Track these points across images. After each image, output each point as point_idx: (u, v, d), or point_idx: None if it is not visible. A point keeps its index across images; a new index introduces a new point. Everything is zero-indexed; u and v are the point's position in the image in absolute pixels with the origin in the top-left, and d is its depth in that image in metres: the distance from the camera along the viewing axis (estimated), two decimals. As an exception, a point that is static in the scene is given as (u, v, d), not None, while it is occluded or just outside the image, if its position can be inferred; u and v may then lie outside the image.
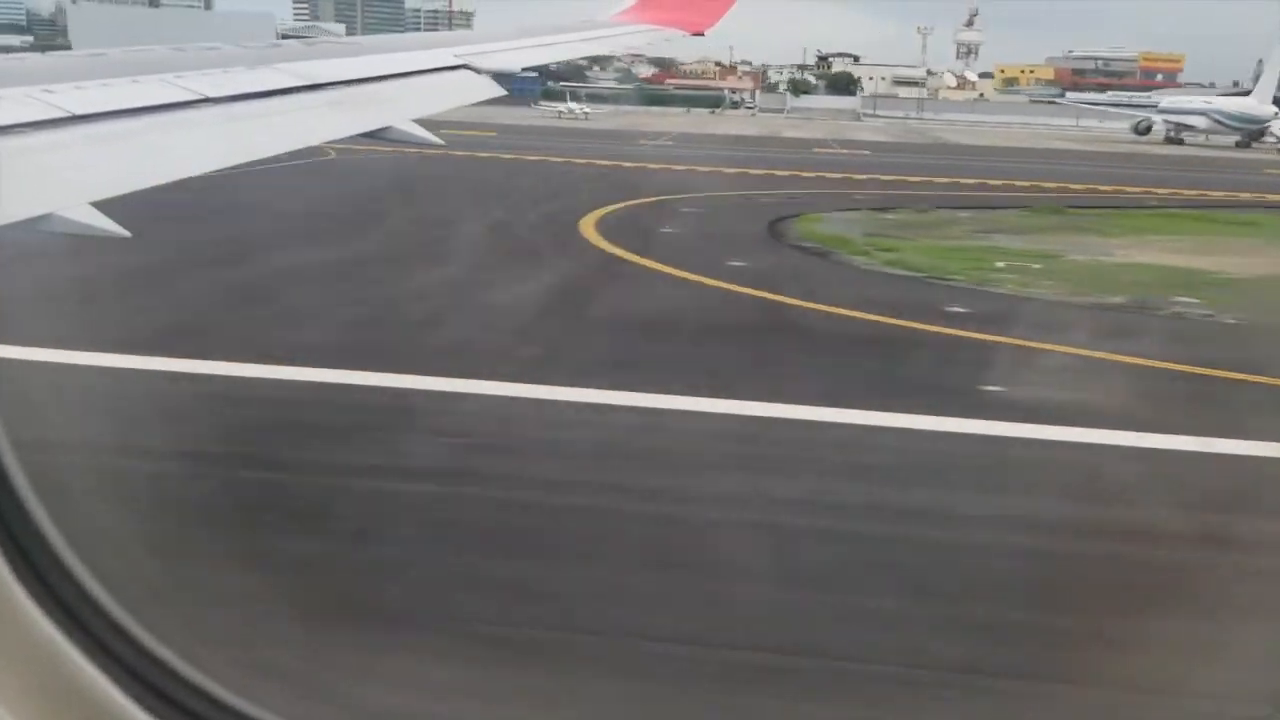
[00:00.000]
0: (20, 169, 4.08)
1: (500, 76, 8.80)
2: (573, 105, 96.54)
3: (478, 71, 8.74)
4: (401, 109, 7.27)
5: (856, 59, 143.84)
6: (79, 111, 4.58)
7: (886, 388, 13.79)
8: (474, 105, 8.60)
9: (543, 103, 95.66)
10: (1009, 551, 9.13)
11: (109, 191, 4.46)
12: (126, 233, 4.42)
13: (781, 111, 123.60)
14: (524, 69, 9.78)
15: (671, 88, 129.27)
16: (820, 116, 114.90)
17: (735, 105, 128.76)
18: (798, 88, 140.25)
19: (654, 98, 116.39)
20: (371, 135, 6.85)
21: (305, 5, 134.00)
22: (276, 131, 5.98)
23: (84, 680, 2.09)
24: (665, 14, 14.28)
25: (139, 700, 2.17)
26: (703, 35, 14.95)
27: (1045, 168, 51.87)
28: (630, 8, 14.39)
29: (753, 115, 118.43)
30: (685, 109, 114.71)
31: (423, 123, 7.28)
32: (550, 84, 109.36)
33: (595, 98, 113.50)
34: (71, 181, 4.37)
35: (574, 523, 9.25)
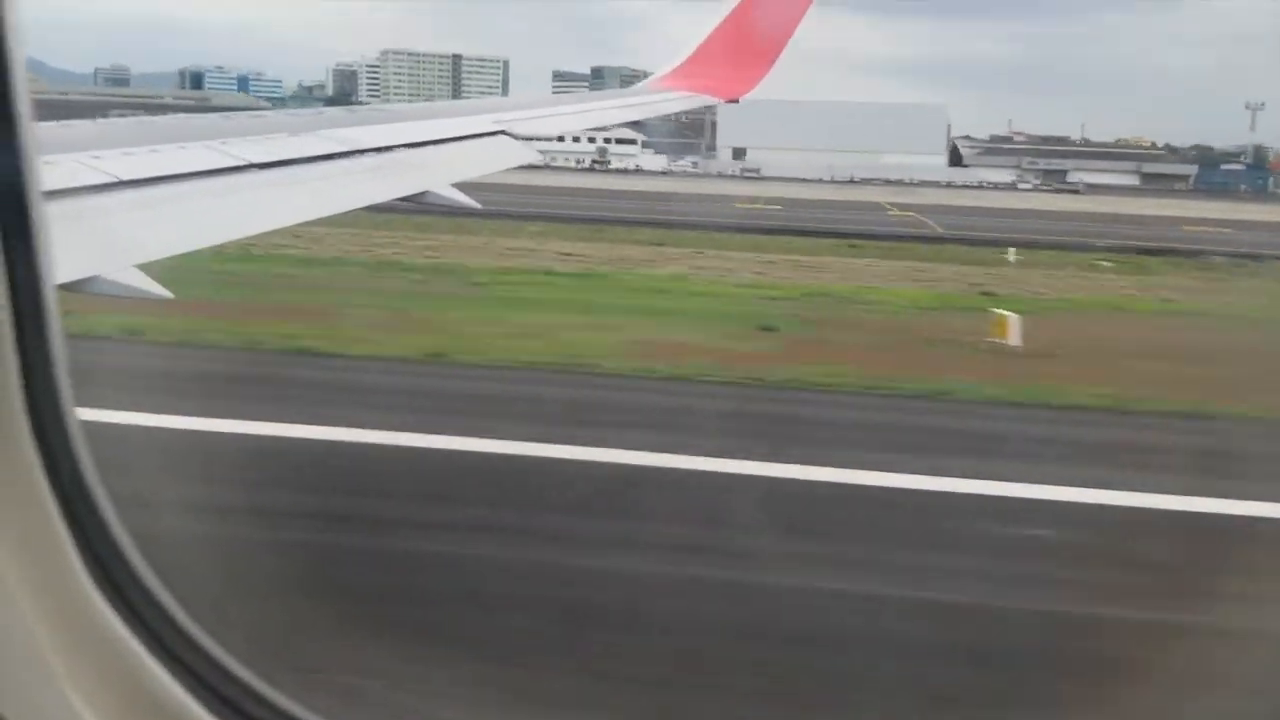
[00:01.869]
0: (67, 232, 4.16)
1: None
2: None
3: (515, 138, 8.88)
4: (440, 174, 7.39)
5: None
6: (125, 177, 4.68)
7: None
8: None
9: None
10: None
11: (154, 255, 4.53)
12: (170, 294, 4.46)
13: None
14: (560, 135, 9.93)
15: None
16: None
17: None
18: None
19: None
20: (410, 200, 6.96)
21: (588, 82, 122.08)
22: (318, 196, 6.09)
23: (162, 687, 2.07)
24: (702, 81, 14.46)
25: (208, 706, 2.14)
26: (737, 103, 15.11)
27: None
28: (669, 74, 14.58)
29: None
30: None
31: (463, 187, 7.39)
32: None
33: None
34: (117, 245, 4.44)
35: None
